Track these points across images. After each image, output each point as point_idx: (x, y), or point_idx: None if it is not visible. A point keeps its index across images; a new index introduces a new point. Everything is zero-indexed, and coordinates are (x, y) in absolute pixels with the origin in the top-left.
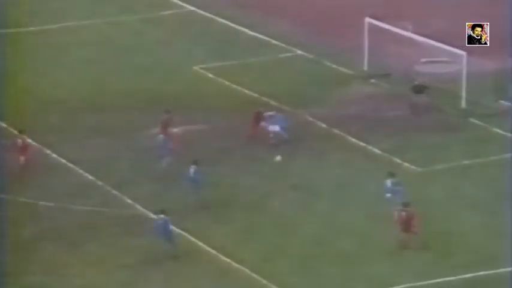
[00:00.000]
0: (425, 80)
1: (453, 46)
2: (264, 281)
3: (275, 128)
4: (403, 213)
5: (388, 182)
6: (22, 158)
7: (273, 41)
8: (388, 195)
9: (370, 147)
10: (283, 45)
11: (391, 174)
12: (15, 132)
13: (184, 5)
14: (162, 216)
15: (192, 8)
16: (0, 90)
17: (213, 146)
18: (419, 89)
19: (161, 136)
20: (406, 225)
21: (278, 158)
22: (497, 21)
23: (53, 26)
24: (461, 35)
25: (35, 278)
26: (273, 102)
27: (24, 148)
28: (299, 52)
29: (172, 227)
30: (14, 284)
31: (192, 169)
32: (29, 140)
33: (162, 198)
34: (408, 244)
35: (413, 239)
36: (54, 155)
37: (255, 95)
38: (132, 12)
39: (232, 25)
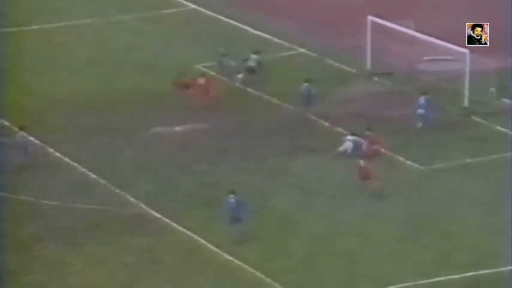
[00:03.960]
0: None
1: (455, 45)
2: (267, 279)
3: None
4: (361, 162)
5: (422, 99)
6: (206, 97)
7: (275, 40)
8: (421, 111)
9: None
10: (286, 43)
11: (425, 92)
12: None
13: (186, 3)
14: (232, 196)
15: (194, 7)
16: (1, 89)
17: (214, 145)
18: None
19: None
20: (365, 173)
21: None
22: (499, 20)
23: (54, 25)
24: (464, 34)
25: (36, 277)
26: (275, 101)
27: (206, 87)
28: (301, 50)
29: (245, 208)
30: (15, 283)
31: (304, 86)
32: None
33: (165, 197)
34: (373, 190)
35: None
36: (57, 154)
37: (258, 93)
38: (134, 11)
39: (235, 23)
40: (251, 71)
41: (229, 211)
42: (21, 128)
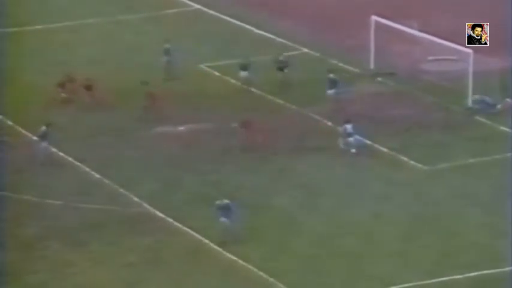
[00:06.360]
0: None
1: (459, 45)
2: (270, 279)
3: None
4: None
5: None
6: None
7: (279, 39)
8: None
9: (376, 146)
10: (289, 43)
11: None
12: None
13: (189, 3)
14: (226, 200)
15: (198, 6)
16: (5, 89)
17: (218, 144)
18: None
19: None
20: (151, 100)
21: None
22: (503, 20)
23: (57, 24)
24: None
25: (39, 276)
26: (278, 101)
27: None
28: (305, 50)
29: (236, 211)
30: (18, 282)
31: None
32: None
33: (168, 197)
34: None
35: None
36: (60, 153)
37: (261, 93)
38: (137, 11)
39: (238, 23)
40: (280, 69)
41: (220, 213)
42: (48, 125)
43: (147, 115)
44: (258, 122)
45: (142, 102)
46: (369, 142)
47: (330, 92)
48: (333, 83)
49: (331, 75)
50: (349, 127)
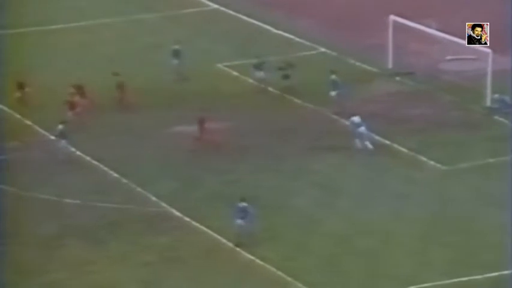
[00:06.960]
0: None
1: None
2: (288, 278)
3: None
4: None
5: None
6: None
7: (297, 39)
8: None
9: (395, 145)
10: (307, 42)
11: None
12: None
13: (207, 3)
14: (243, 203)
15: (216, 6)
16: (22, 89)
17: (236, 144)
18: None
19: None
20: (71, 104)
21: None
22: None
23: (74, 24)
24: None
25: (57, 275)
26: (296, 100)
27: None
28: (323, 50)
29: (253, 215)
30: (36, 281)
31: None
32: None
33: (186, 196)
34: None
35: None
36: (78, 153)
37: (279, 92)
38: (155, 11)
39: (256, 23)
40: (285, 77)
41: (236, 216)
42: (63, 123)
43: (120, 105)
44: (214, 120)
45: (114, 93)
46: (387, 142)
47: (333, 93)
48: (335, 85)
49: (333, 77)
50: (356, 118)
